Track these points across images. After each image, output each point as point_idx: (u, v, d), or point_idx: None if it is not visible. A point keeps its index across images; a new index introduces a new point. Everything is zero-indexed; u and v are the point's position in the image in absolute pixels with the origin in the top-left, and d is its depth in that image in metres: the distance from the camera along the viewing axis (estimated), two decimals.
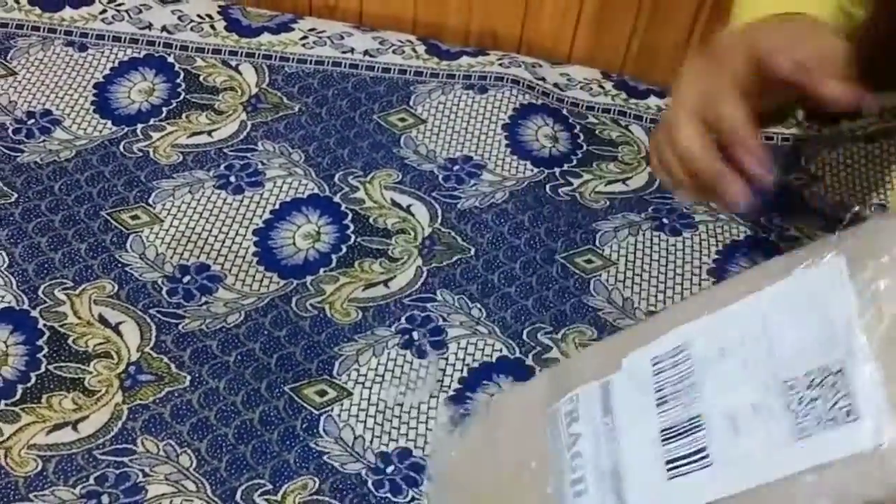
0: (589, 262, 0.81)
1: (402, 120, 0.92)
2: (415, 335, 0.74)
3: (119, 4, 0.99)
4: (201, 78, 0.94)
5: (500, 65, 0.97)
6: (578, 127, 0.93)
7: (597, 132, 0.93)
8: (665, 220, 0.85)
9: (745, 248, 0.83)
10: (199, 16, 0.99)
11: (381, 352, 0.73)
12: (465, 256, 0.80)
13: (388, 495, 0.65)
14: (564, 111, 0.94)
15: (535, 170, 0.88)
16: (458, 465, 0.64)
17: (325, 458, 0.67)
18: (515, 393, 0.69)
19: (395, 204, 0.84)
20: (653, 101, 0.97)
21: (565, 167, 0.89)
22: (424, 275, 0.78)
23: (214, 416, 0.68)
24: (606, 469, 0.53)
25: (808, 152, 0.93)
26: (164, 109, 0.90)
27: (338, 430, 0.68)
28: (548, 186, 0.87)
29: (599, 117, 0.95)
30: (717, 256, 0.82)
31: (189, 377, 0.70)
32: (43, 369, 0.70)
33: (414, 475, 0.66)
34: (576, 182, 0.88)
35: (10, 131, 0.87)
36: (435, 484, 0.65)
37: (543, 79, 0.97)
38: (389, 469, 0.67)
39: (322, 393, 0.70)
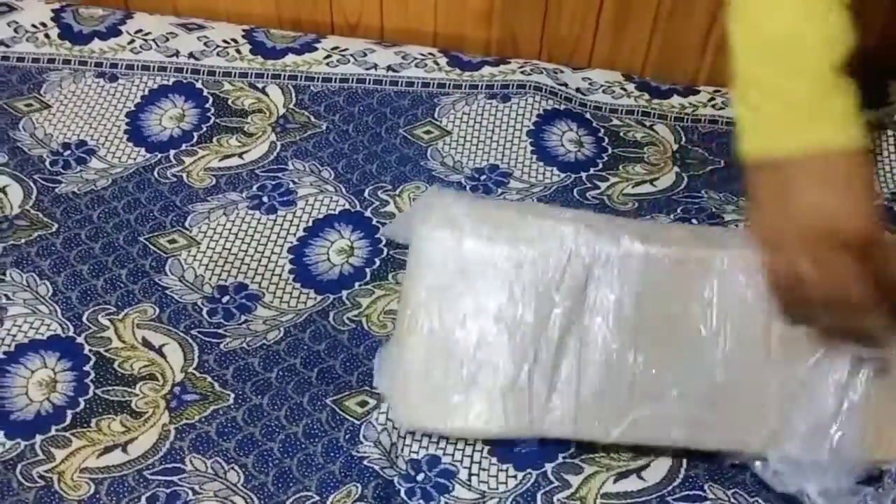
0: None
1: (428, 132, 0.93)
2: None
3: (146, 34, 1.02)
4: (230, 101, 0.96)
5: (522, 72, 0.98)
6: (603, 130, 0.94)
7: (621, 134, 0.94)
8: (695, 221, 0.85)
9: None
10: (224, 41, 1.01)
11: None
12: None
13: (421, 502, 0.66)
14: (588, 115, 0.95)
15: (562, 175, 0.89)
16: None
17: (365, 462, 0.68)
18: None
19: None
20: (676, 100, 0.97)
21: (592, 171, 0.90)
22: None
23: (259, 432, 0.70)
24: None
25: None
26: (196, 134, 0.92)
27: (377, 435, 0.69)
28: (575, 191, 0.87)
29: (623, 119, 0.95)
30: None
31: (233, 395, 0.72)
32: (91, 394, 0.71)
33: (444, 482, 0.68)
34: (603, 185, 0.88)
35: (47, 163, 0.89)
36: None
37: (565, 84, 0.98)
38: (420, 477, 0.68)
39: (363, 403, 0.71)
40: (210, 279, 0.80)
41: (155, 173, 0.88)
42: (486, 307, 0.66)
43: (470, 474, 0.68)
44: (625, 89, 0.98)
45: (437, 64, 0.99)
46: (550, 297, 0.66)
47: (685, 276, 0.66)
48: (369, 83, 0.97)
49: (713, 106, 0.96)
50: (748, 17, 0.64)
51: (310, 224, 0.84)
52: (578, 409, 0.65)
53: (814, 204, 0.60)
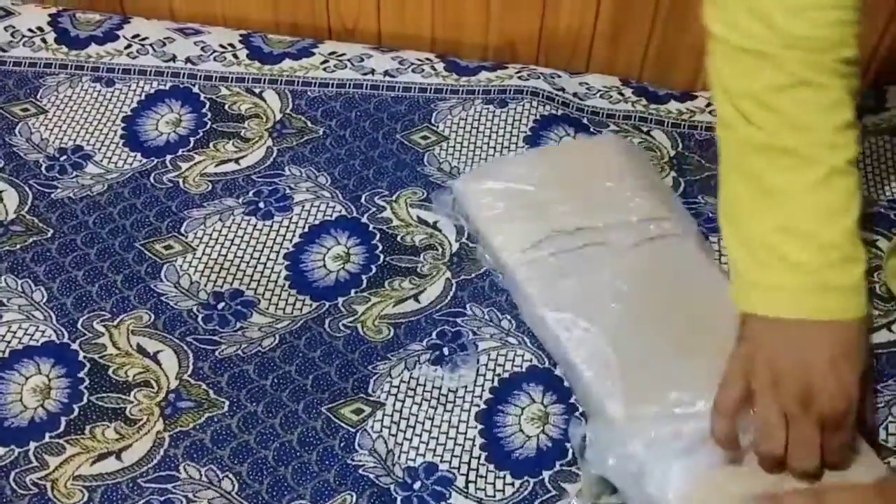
0: None
1: (425, 138, 0.93)
2: (445, 350, 0.75)
3: (143, 39, 1.02)
4: (226, 106, 0.95)
5: (519, 77, 0.98)
6: (600, 135, 0.93)
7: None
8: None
9: None
10: (221, 45, 1.01)
11: (412, 366, 0.74)
12: (493, 268, 0.81)
13: None
14: (585, 120, 0.95)
15: None
16: None
17: (360, 471, 0.68)
18: None
19: (421, 221, 0.85)
20: (673, 105, 0.97)
21: None
22: (454, 288, 0.79)
23: (254, 440, 0.69)
24: None
25: None
26: (192, 139, 0.92)
27: (372, 443, 0.69)
28: None
29: (620, 125, 0.95)
30: None
31: (227, 402, 0.71)
32: (85, 401, 0.71)
33: (441, 489, 0.67)
34: None
35: (43, 168, 0.89)
36: None
37: (563, 89, 0.97)
38: (416, 485, 0.67)
39: (358, 411, 0.71)
40: (206, 285, 0.79)
41: (151, 178, 0.88)
42: None
43: (467, 481, 0.67)
44: (622, 94, 0.98)
45: (435, 69, 0.99)
46: None
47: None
48: (366, 88, 0.97)
49: (710, 112, 0.96)
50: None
51: (306, 230, 0.84)
52: None
53: (804, 366, 0.61)
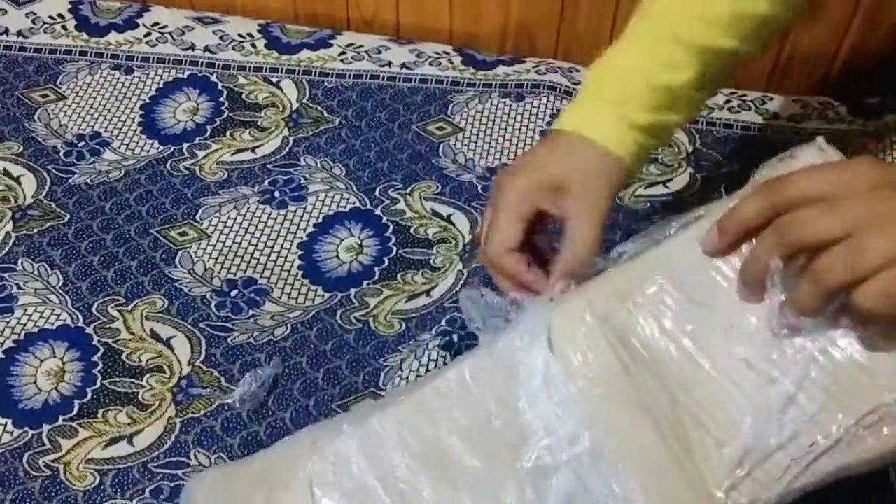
0: None
1: (441, 129, 0.93)
2: (454, 337, 0.75)
3: (162, 27, 1.02)
4: (244, 95, 0.96)
5: (537, 72, 0.98)
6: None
7: None
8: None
9: None
10: (239, 35, 1.02)
11: (421, 354, 0.74)
12: None
13: None
14: None
15: None
16: None
17: None
18: None
19: (435, 214, 0.85)
20: None
21: None
22: (465, 276, 0.79)
23: (264, 431, 0.70)
24: None
25: (854, 145, 0.91)
26: (209, 128, 0.92)
27: None
28: None
29: None
30: None
31: (239, 389, 0.72)
32: (98, 385, 0.72)
33: None
34: None
35: (61, 154, 0.89)
36: None
37: (580, 83, 0.97)
38: None
39: None
40: (219, 272, 0.80)
41: (168, 166, 0.89)
42: None
43: None
44: None
45: (452, 63, 0.99)
46: None
47: None
48: (383, 80, 0.97)
49: (729, 109, 0.96)
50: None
51: (320, 220, 0.84)
52: None
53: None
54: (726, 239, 0.50)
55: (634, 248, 0.55)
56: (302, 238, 0.83)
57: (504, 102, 0.95)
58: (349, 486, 0.54)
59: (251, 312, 0.77)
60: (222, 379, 0.73)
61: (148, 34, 1.01)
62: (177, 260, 0.81)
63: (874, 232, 0.43)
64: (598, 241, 0.58)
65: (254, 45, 1.01)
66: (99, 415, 0.70)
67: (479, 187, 0.87)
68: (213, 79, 0.97)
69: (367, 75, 0.98)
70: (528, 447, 0.52)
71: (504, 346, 0.54)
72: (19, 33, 1.01)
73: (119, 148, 0.90)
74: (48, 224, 0.83)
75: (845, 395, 0.49)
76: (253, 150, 0.91)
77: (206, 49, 1.00)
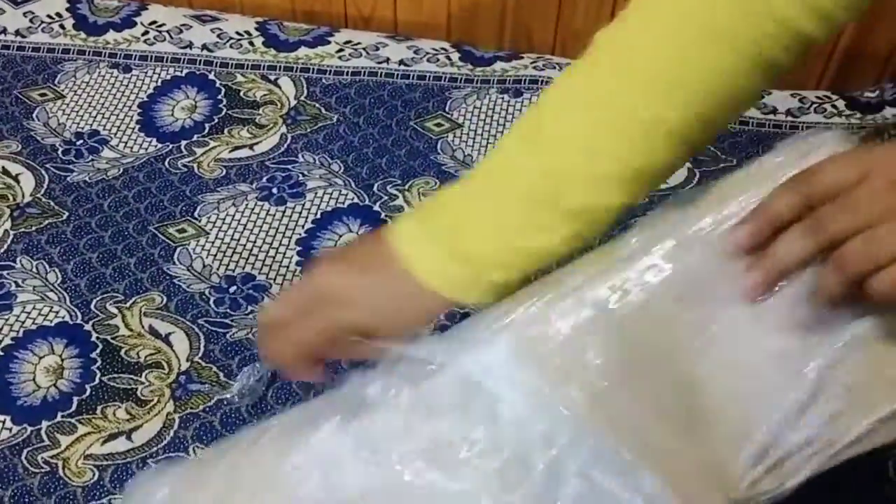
0: None
1: (439, 125, 0.93)
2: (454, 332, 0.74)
3: (160, 25, 1.02)
4: (242, 93, 0.96)
5: (535, 67, 0.98)
6: None
7: None
8: None
9: None
10: (237, 33, 1.02)
11: None
12: None
13: None
14: None
15: None
16: None
17: None
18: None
19: None
20: None
21: None
22: None
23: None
24: None
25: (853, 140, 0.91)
26: (207, 125, 0.93)
27: None
28: None
29: None
30: None
31: (237, 385, 0.72)
32: (97, 381, 0.72)
33: None
34: None
35: (59, 152, 0.89)
36: None
37: None
38: None
39: None
40: (218, 269, 0.80)
41: (166, 163, 0.89)
42: None
43: None
44: None
45: (450, 59, 0.99)
46: None
47: None
48: (381, 76, 0.97)
49: None
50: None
51: (318, 217, 0.84)
52: None
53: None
54: (757, 233, 0.49)
55: (641, 237, 0.53)
56: (300, 234, 0.83)
57: (502, 98, 0.95)
58: None
59: (250, 308, 0.77)
60: (221, 374, 0.72)
61: (146, 32, 1.01)
62: (175, 257, 0.81)
63: (893, 224, 0.45)
64: None
65: (251, 43, 1.01)
66: (98, 411, 0.70)
67: None
68: (211, 77, 0.97)
69: (364, 72, 0.98)
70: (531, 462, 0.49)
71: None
72: (17, 32, 1.01)
73: (117, 146, 0.91)
74: (47, 222, 0.83)
75: (866, 392, 0.49)
76: (251, 147, 0.91)
77: (204, 47, 1.00)
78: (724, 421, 0.50)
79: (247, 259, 0.81)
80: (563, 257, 0.52)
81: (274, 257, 0.81)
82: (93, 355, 0.73)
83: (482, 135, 0.92)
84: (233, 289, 0.78)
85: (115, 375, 0.72)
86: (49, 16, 1.03)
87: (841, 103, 0.95)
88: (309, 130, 0.92)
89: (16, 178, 0.87)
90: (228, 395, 0.70)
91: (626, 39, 0.51)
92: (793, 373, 0.50)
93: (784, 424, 0.49)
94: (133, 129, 0.92)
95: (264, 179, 0.87)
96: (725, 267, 0.51)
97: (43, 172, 0.87)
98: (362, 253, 0.55)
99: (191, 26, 1.02)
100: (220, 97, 0.95)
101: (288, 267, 0.80)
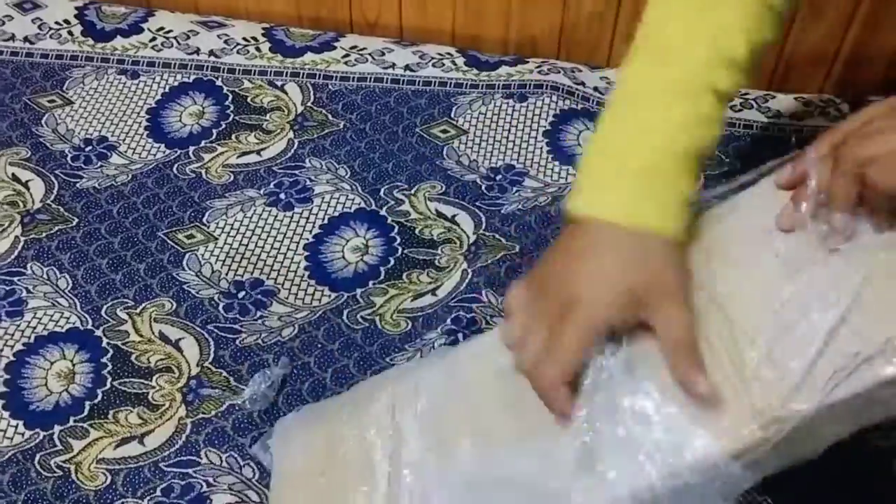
0: None
1: (445, 132, 0.93)
2: (460, 336, 0.75)
3: (167, 32, 1.03)
4: (249, 99, 0.97)
5: (539, 72, 0.98)
6: None
7: None
8: None
9: None
10: (244, 39, 1.02)
11: (428, 353, 0.74)
12: (509, 253, 0.81)
13: None
14: None
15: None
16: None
17: None
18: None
19: (440, 215, 0.85)
20: None
21: None
22: (470, 276, 0.80)
23: None
24: None
25: None
26: (215, 131, 0.93)
27: None
28: None
29: None
30: None
31: (247, 389, 0.72)
32: (108, 386, 0.73)
33: None
34: None
35: (68, 158, 0.90)
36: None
37: (583, 83, 0.98)
38: None
39: None
40: (227, 274, 0.81)
41: (174, 169, 0.89)
42: None
43: None
44: None
45: (455, 64, 1.00)
46: None
47: None
48: (387, 82, 0.98)
49: (731, 107, 0.96)
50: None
51: (325, 221, 0.85)
52: None
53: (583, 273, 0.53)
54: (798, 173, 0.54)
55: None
56: (308, 239, 0.84)
57: (507, 103, 0.96)
58: (426, 406, 0.59)
59: (259, 313, 0.78)
60: (231, 379, 0.73)
61: (153, 39, 1.02)
62: (184, 262, 0.81)
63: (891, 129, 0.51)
64: (693, 337, 0.53)
65: (258, 49, 1.01)
66: (109, 415, 0.71)
67: (483, 187, 0.88)
68: (219, 83, 0.98)
69: (370, 77, 0.98)
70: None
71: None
72: (26, 39, 1.02)
73: (126, 152, 0.91)
74: (57, 228, 0.84)
75: (889, 311, 0.51)
76: (258, 152, 0.91)
77: (211, 53, 1.01)
78: (758, 345, 0.53)
79: (255, 264, 0.81)
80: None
81: (282, 262, 0.82)
82: (104, 360, 0.74)
83: (487, 140, 0.92)
84: (242, 294, 0.79)
85: (127, 380, 0.73)
86: (57, 22, 1.04)
87: (845, 107, 0.96)
88: (316, 136, 0.93)
89: (26, 185, 0.87)
90: (240, 401, 0.71)
91: None
92: (819, 300, 0.52)
93: (809, 337, 0.51)
94: (141, 135, 0.93)
95: (272, 185, 0.88)
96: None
97: (52, 179, 0.88)
98: (563, 250, 0.55)
99: (198, 32, 1.03)
100: (227, 103, 0.96)
101: (296, 272, 0.81)
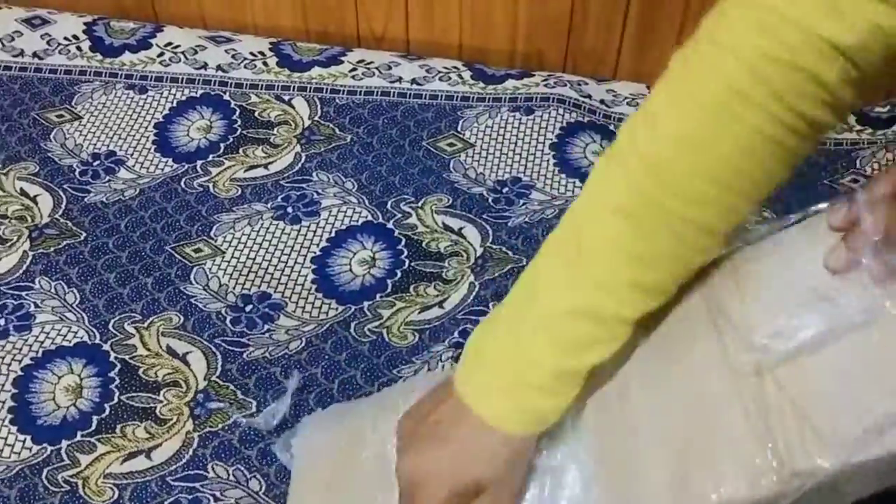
0: None
1: (451, 145, 0.93)
2: None
3: (175, 47, 1.03)
4: (256, 113, 0.97)
5: (546, 85, 0.99)
6: None
7: None
8: None
9: None
10: (251, 53, 1.03)
11: (434, 366, 0.74)
12: (516, 266, 0.81)
13: None
14: (612, 127, 0.95)
15: None
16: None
17: None
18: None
19: (447, 228, 0.85)
20: None
21: None
22: (477, 288, 0.80)
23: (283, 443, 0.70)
24: None
25: (864, 155, 0.92)
26: (222, 145, 0.94)
27: None
28: None
29: None
30: None
31: (255, 403, 0.72)
32: (116, 400, 0.73)
33: None
34: None
35: (77, 173, 0.91)
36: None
37: (589, 96, 0.98)
38: None
39: None
40: (234, 288, 0.81)
41: (182, 183, 0.90)
42: None
43: None
44: None
45: (461, 77, 1.00)
46: None
47: None
48: (394, 96, 0.98)
49: None
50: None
51: (333, 235, 0.85)
52: None
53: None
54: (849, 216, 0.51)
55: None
56: (315, 252, 0.84)
57: (514, 116, 0.96)
58: None
59: (266, 327, 0.78)
60: (238, 393, 0.73)
61: (161, 54, 1.03)
62: (192, 276, 0.81)
63: None
64: None
65: (265, 64, 1.02)
66: (117, 430, 0.71)
67: (490, 200, 0.88)
68: (226, 97, 0.98)
69: (377, 91, 0.99)
70: None
71: None
72: (35, 54, 1.03)
73: (134, 166, 0.92)
74: (65, 242, 0.84)
75: None
76: (266, 166, 0.92)
77: (219, 68, 1.01)
78: (785, 390, 0.51)
79: (262, 278, 0.82)
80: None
81: (289, 276, 0.82)
82: (111, 374, 0.74)
83: (494, 153, 0.92)
84: (249, 308, 0.79)
85: (134, 394, 0.73)
86: (66, 38, 1.04)
87: (852, 119, 0.95)
88: (323, 150, 0.93)
89: (34, 200, 0.88)
90: (256, 423, 0.71)
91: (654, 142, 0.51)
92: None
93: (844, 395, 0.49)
94: (149, 149, 0.93)
95: (279, 198, 0.88)
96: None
97: (61, 193, 0.88)
98: (435, 410, 0.56)
99: (205, 47, 1.03)
100: (234, 117, 0.96)
101: (303, 285, 0.81)
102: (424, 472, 0.55)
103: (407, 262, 0.83)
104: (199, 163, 0.92)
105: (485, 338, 0.57)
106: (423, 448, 0.56)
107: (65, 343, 0.76)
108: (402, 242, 0.84)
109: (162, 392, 0.73)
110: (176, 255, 0.83)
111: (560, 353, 0.53)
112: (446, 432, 0.55)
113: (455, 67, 1.01)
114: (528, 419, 0.54)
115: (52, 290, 0.80)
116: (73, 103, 0.98)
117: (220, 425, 0.71)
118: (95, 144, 0.94)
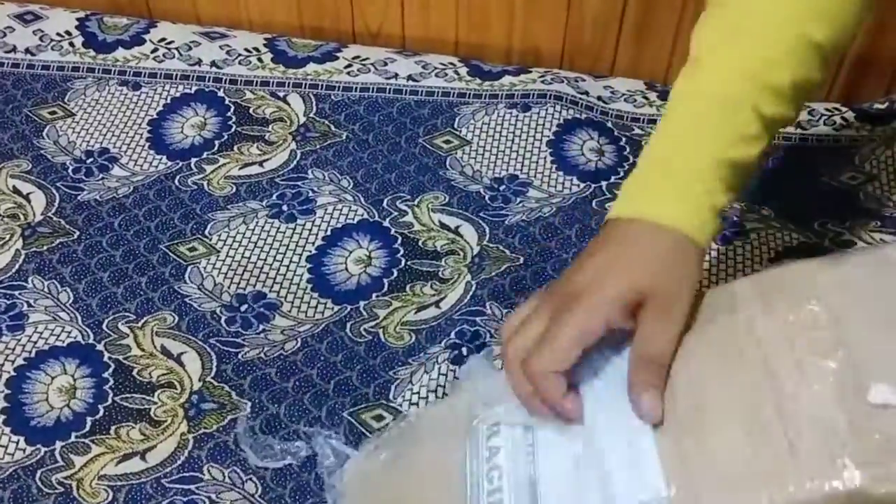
0: None
1: (448, 142, 0.93)
2: (464, 351, 0.75)
3: (169, 43, 1.02)
4: (251, 110, 0.96)
5: (543, 82, 0.98)
6: (624, 139, 0.93)
7: (643, 143, 0.93)
8: None
9: (798, 255, 0.82)
10: (246, 49, 1.02)
11: (431, 368, 0.74)
12: (513, 265, 0.81)
13: None
14: (609, 124, 0.94)
15: (582, 184, 0.89)
16: (370, 480, 0.64)
17: None
18: (434, 409, 0.70)
19: (443, 226, 0.85)
20: None
21: (612, 180, 0.89)
22: (473, 288, 0.79)
23: (278, 444, 0.70)
24: (523, 482, 0.53)
25: (863, 152, 0.91)
26: (217, 143, 0.93)
27: None
28: (594, 201, 0.87)
29: (645, 129, 0.95)
30: (769, 265, 0.81)
31: (250, 404, 0.72)
32: (110, 401, 0.72)
33: None
34: None
35: (70, 171, 0.90)
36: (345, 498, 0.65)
37: (587, 93, 0.97)
38: None
39: (379, 418, 0.71)
40: (229, 287, 0.80)
41: (176, 181, 0.89)
42: None
43: None
44: (647, 98, 0.98)
45: (458, 74, 0.99)
46: None
47: None
48: (389, 92, 0.97)
49: None
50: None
51: (328, 233, 0.84)
52: None
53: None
54: None
55: None
56: (311, 251, 0.83)
57: (510, 113, 0.95)
58: None
59: (261, 327, 0.77)
60: (233, 394, 0.73)
61: (155, 50, 1.02)
62: (186, 275, 0.81)
63: None
64: (667, 357, 0.53)
65: (260, 60, 1.01)
66: (111, 431, 0.70)
67: (487, 198, 0.87)
68: (220, 94, 0.98)
69: (373, 88, 0.98)
70: None
71: None
72: (27, 51, 1.02)
73: (127, 164, 0.91)
74: (58, 241, 0.83)
75: None
76: (261, 164, 0.91)
77: (213, 64, 1.00)
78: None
79: (257, 277, 0.81)
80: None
81: (284, 275, 0.81)
82: (105, 375, 0.74)
83: (491, 150, 0.92)
84: (244, 307, 0.78)
85: (128, 395, 0.72)
86: (59, 34, 1.03)
87: (850, 115, 0.95)
88: (318, 147, 0.92)
89: (27, 198, 0.87)
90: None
91: None
92: None
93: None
94: (143, 146, 0.93)
95: (274, 196, 0.88)
96: None
97: (54, 191, 0.88)
98: (582, 254, 0.56)
99: (199, 43, 1.03)
100: (229, 114, 0.96)
101: (299, 284, 0.80)
102: (594, 271, 0.53)
103: (403, 260, 0.82)
104: (193, 160, 0.91)
105: (642, 163, 0.58)
106: (596, 251, 0.54)
107: (58, 343, 0.76)
108: (399, 241, 0.84)
109: (156, 393, 0.72)
110: (170, 253, 0.83)
111: (720, 145, 0.55)
112: (596, 247, 0.54)
113: (451, 64, 1.01)
114: (693, 214, 0.54)
115: (46, 290, 0.79)
116: (65, 100, 0.97)
117: (214, 426, 0.70)
118: (89, 142, 0.93)
